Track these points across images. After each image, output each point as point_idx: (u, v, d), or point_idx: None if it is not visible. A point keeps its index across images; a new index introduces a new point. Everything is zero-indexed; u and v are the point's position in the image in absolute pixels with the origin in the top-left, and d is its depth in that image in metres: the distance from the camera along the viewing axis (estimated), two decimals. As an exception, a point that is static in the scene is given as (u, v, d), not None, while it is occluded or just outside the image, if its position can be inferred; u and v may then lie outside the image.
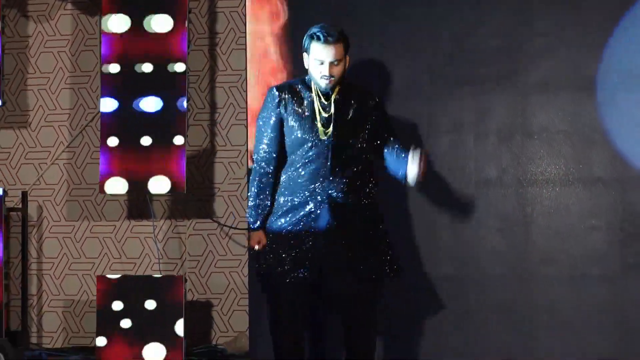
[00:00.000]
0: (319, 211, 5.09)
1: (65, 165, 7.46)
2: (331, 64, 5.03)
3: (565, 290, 6.13)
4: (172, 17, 6.70)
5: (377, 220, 5.30)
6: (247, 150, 6.50)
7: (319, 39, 5.01)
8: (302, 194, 5.12)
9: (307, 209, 5.11)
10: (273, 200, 5.24)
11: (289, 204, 5.16)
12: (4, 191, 6.93)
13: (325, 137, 5.08)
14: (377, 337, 5.45)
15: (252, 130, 6.15)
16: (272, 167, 5.22)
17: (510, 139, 6.21)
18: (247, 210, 5.35)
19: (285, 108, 5.15)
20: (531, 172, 6.18)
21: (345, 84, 5.20)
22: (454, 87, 6.24)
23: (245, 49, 6.49)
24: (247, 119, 6.55)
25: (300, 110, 5.14)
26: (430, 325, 6.21)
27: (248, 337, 6.57)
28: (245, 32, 6.57)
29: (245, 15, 6.63)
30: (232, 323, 7.18)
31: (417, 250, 6.17)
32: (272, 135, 5.22)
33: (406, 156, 5.16)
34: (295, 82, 5.24)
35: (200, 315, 7.21)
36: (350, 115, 5.14)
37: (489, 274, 6.20)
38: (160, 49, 6.73)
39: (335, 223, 5.08)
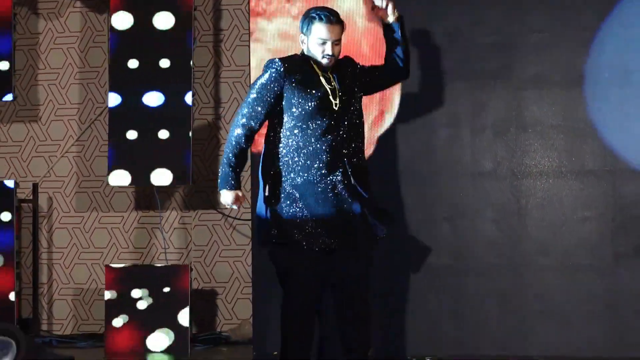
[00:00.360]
0: (341, 179, 4.98)
1: (74, 158, 7.48)
2: (332, 43, 4.98)
3: (558, 280, 6.13)
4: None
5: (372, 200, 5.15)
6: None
7: (321, 19, 4.96)
8: (320, 165, 4.96)
9: (329, 179, 4.97)
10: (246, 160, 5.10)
11: (300, 184, 4.98)
12: (16, 183, 6.96)
13: (336, 108, 5.00)
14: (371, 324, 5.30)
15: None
16: (252, 132, 5.01)
17: (505, 132, 6.23)
18: (222, 171, 5.04)
19: (290, 80, 5.00)
20: (525, 164, 6.19)
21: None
22: (450, 83, 6.27)
23: (249, 46, 6.52)
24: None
25: (305, 83, 5.01)
26: (427, 314, 6.22)
27: (251, 324, 6.59)
28: (249, 29, 6.61)
29: (248, 13, 6.66)
30: (236, 311, 7.20)
31: (415, 241, 6.18)
32: (269, 105, 5.01)
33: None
34: (294, 57, 5.12)
35: (205, 303, 7.22)
36: (347, 83, 5.09)
37: (485, 264, 6.20)
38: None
39: (354, 190, 4.99)
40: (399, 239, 6.12)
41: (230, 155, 4.98)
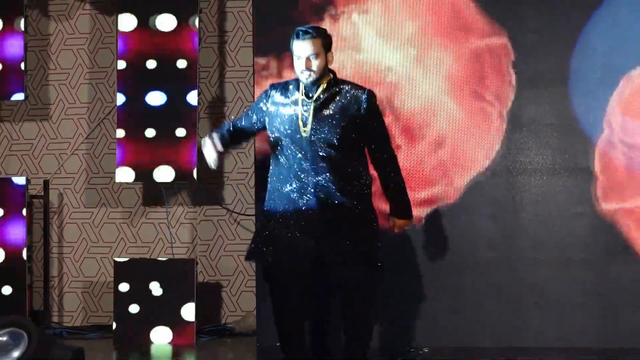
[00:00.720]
0: (305, 201, 4.95)
1: (84, 156, 7.49)
2: (308, 58, 4.87)
3: (552, 273, 6.14)
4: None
5: (364, 216, 5.05)
6: (254, 142, 6.53)
7: (297, 36, 4.90)
8: (290, 185, 5.00)
9: (294, 198, 4.97)
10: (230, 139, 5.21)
11: (279, 192, 5.04)
12: (27, 180, 6.98)
13: (305, 134, 4.92)
14: (373, 324, 5.31)
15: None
16: (233, 129, 5.18)
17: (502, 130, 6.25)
18: (213, 137, 5.13)
19: (268, 104, 5.07)
20: (520, 161, 6.21)
21: (335, 81, 5.04)
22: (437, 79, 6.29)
23: (253, 47, 6.53)
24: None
25: (285, 107, 5.01)
26: (425, 307, 6.23)
27: (255, 316, 6.61)
28: (253, 31, 6.62)
29: (252, 15, 6.68)
30: (240, 303, 7.21)
31: (413, 237, 6.19)
32: (248, 116, 5.19)
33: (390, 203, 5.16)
34: (290, 81, 5.10)
35: (210, 295, 7.23)
36: (331, 112, 4.94)
37: (481, 258, 6.21)
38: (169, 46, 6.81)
39: (320, 215, 4.93)
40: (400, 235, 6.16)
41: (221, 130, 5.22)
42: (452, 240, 6.23)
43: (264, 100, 5.11)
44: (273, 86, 5.15)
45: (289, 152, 4.99)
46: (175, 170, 6.77)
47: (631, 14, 6.09)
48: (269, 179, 5.15)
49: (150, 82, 6.81)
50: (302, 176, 4.96)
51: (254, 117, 5.16)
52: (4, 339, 3.80)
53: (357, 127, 4.98)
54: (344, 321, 5.09)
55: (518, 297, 6.17)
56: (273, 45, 6.36)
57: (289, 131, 4.96)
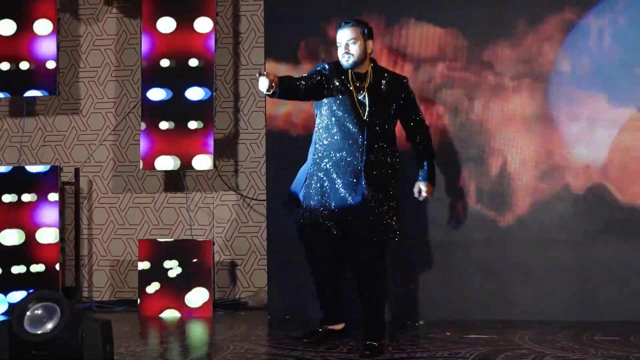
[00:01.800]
0: (356, 180, 5.11)
1: (111, 146, 7.52)
2: (347, 44, 5.08)
3: (536, 252, 6.18)
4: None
5: (392, 189, 5.22)
6: (265, 133, 6.54)
7: (340, 26, 5.15)
8: (339, 162, 5.15)
9: (341, 177, 5.13)
10: (291, 85, 5.06)
11: (326, 169, 5.19)
12: (60, 168, 7.00)
13: (363, 117, 5.09)
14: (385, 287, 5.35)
15: (270, 113, 6.24)
16: (303, 84, 5.08)
17: (489, 121, 6.25)
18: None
19: (328, 80, 5.15)
20: (509, 152, 6.22)
21: (378, 69, 5.23)
22: (443, 79, 6.30)
23: (264, 47, 6.55)
24: (265, 107, 6.62)
25: (339, 89, 5.14)
26: (419, 283, 6.25)
27: (266, 292, 6.65)
28: (264, 33, 6.64)
29: (264, 18, 6.69)
30: (253, 280, 7.23)
31: (407, 219, 6.21)
32: (312, 77, 5.15)
33: (419, 172, 5.39)
34: (340, 67, 5.18)
35: (225, 273, 7.27)
36: (381, 97, 5.14)
37: (471, 239, 6.25)
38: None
39: (361, 190, 5.09)
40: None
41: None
42: (445, 223, 6.26)
43: (324, 73, 5.17)
44: (329, 63, 5.22)
45: (343, 131, 5.12)
46: (194, 158, 6.80)
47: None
48: (313, 151, 5.27)
49: (171, 79, 6.82)
50: (348, 154, 5.11)
51: (316, 80, 5.13)
52: (39, 312, 3.83)
53: (400, 108, 5.22)
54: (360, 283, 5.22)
55: (504, 274, 6.21)
56: (282, 45, 6.39)
57: (346, 114, 5.11)
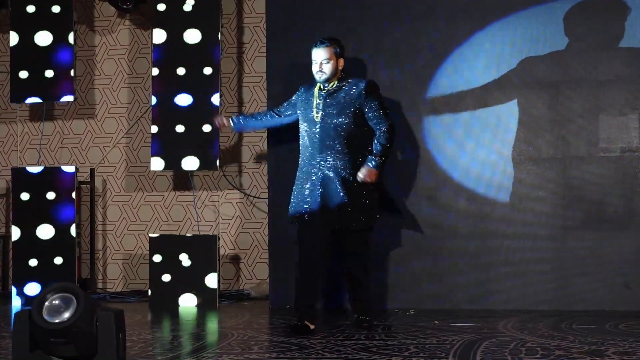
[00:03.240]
0: (317, 177, 5.30)
1: (124, 148, 7.52)
2: (321, 62, 5.29)
3: (518, 246, 6.18)
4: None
5: (361, 189, 5.32)
6: (267, 136, 6.54)
7: (315, 45, 5.34)
8: (307, 159, 5.36)
9: (309, 171, 5.34)
10: (253, 121, 5.79)
11: (302, 171, 5.41)
12: (76, 168, 6.98)
13: (318, 120, 5.31)
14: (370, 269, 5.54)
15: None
16: (275, 111, 5.68)
17: (475, 125, 6.24)
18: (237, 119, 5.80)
19: (298, 97, 5.51)
20: (492, 152, 6.22)
21: (342, 78, 5.36)
22: (431, 83, 6.29)
23: (266, 56, 6.54)
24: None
25: (306, 100, 5.42)
26: (410, 275, 6.26)
27: (268, 283, 6.65)
28: (265, 43, 6.63)
29: (265, 30, 6.69)
30: (256, 272, 7.24)
31: (401, 215, 6.20)
32: (288, 102, 5.63)
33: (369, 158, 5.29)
34: (313, 84, 5.43)
35: (230, 266, 7.27)
36: (338, 101, 5.29)
37: (458, 233, 6.24)
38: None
39: (325, 187, 5.26)
40: (387, 214, 6.17)
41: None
42: (435, 218, 6.25)
43: (296, 94, 5.56)
44: (302, 87, 5.54)
45: (305, 132, 5.37)
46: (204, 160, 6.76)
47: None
48: (300, 160, 5.46)
49: (180, 86, 6.79)
50: (315, 157, 5.31)
51: (291, 103, 5.59)
52: (57, 302, 3.81)
53: (361, 110, 5.29)
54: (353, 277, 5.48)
55: (489, 266, 6.20)
56: (283, 55, 6.38)
57: (307, 117, 5.37)
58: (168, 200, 7.42)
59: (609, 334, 5.07)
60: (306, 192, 5.31)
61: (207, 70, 6.67)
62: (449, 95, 6.24)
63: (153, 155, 6.71)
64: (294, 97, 5.58)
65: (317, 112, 5.31)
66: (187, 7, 6.70)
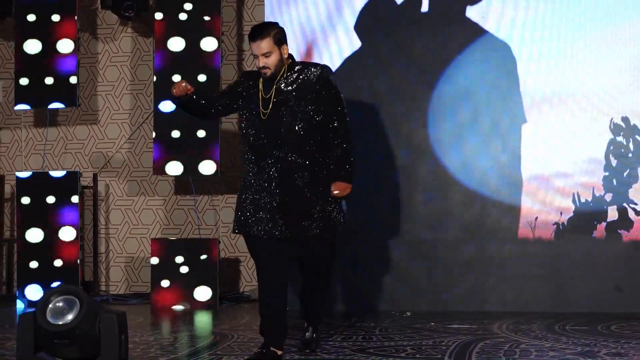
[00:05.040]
0: (266, 175, 4.43)
1: (126, 153, 7.50)
2: (262, 56, 4.39)
3: (512, 250, 6.18)
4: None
5: (316, 184, 4.46)
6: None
7: (250, 37, 4.45)
8: (254, 158, 4.47)
9: (257, 171, 4.46)
10: (198, 101, 4.51)
11: (248, 165, 4.52)
12: (80, 173, 6.99)
13: (264, 117, 4.42)
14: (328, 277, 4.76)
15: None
16: (213, 101, 4.58)
17: (465, 135, 6.24)
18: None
19: (243, 88, 4.55)
20: (484, 159, 6.21)
21: (294, 67, 4.50)
22: (423, 90, 6.29)
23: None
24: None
25: (250, 94, 4.51)
26: (407, 277, 6.26)
27: (267, 285, 6.62)
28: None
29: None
30: (255, 275, 7.13)
31: (399, 219, 6.21)
32: (226, 91, 4.64)
33: (334, 170, 4.48)
34: (258, 76, 4.54)
35: (230, 268, 7.25)
36: (290, 94, 4.44)
37: (454, 237, 6.24)
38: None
39: (278, 184, 4.41)
40: (385, 216, 6.16)
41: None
42: (431, 222, 6.25)
43: (238, 84, 4.62)
44: (245, 73, 4.80)
45: (253, 130, 4.48)
46: (202, 165, 6.76)
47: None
48: (245, 157, 4.56)
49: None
50: (267, 154, 4.44)
51: (230, 93, 4.64)
52: (60, 304, 3.80)
53: (315, 100, 4.45)
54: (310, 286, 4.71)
55: (483, 269, 6.20)
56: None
57: (252, 115, 4.48)
58: (169, 204, 7.40)
59: (601, 336, 5.06)
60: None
61: (201, 78, 6.71)
62: (448, 100, 6.24)
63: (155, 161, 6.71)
64: (231, 91, 4.61)
65: (266, 108, 4.43)
66: (183, 16, 6.73)
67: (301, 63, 4.58)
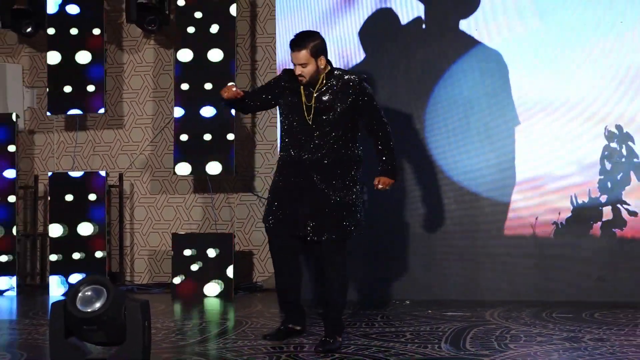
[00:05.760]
0: (304, 180, 4.48)
1: (149, 155, 7.51)
2: (299, 66, 4.43)
3: (502, 243, 6.16)
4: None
5: (348, 190, 4.50)
6: (278, 144, 6.54)
7: (290, 47, 4.47)
8: (293, 164, 4.53)
9: (296, 177, 4.51)
10: (243, 100, 4.60)
11: (283, 171, 4.57)
12: (107, 173, 7.01)
13: (302, 123, 4.48)
14: (344, 274, 4.60)
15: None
16: (253, 97, 4.69)
17: (461, 137, 6.23)
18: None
19: (283, 88, 4.58)
20: (476, 161, 6.19)
21: (333, 75, 4.52)
22: (421, 96, 6.29)
23: (276, 72, 6.54)
24: (277, 122, 6.59)
25: (291, 97, 4.54)
26: (406, 268, 6.26)
27: (278, 276, 6.63)
28: (276, 61, 6.63)
29: (275, 48, 6.69)
30: (267, 267, 7.19)
31: (396, 214, 6.21)
32: (266, 87, 4.71)
33: (379, 164, 4.56)
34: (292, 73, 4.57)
35: (244, 261, 7.25)
36: (327, 102, 4.45)
37: (449, 231, 6.23)
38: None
39: (313, 190, 4.45)
40: (386, 214, 6.16)
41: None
42: (427, 218, 6.24)
43: (277, 82, 4.63)
44: (285, 71, 4.66)
45: (294, 132, 4.51)
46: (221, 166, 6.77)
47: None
48: (279, 158, 4.63)
49: (201, 99, 6.81)
50: (303, 157, 4.48)
51: (267, 90, 4.67)
52: (89, 293, 3.83)
53: (352, 108, 4.49)
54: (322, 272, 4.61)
55: (476, 261, 6.19)
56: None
57: (297, 117, 4.50)
58: (189, 201, 7.41)
59: (585, 322, 5.06)
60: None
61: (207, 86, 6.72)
62: (443, 105, 6.24)
63: (178, 161, 6.76)
64: (272, 88, 4.61)
65: (308, 112, 4.46)
66: (214, 29, 6.75)
67: (339, 71, 4.56)
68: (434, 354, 4.20)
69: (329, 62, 4.54)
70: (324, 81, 4.49)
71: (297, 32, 4.61)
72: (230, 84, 4.67)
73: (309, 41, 4.45)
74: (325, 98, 4.48)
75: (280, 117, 4.67)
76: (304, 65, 4.42)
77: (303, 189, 4.49)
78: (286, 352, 4.31)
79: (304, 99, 4.50)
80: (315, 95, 4.48)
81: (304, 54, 4.41)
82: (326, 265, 4.50)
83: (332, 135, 4.47)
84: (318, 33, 4.60)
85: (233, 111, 6.44)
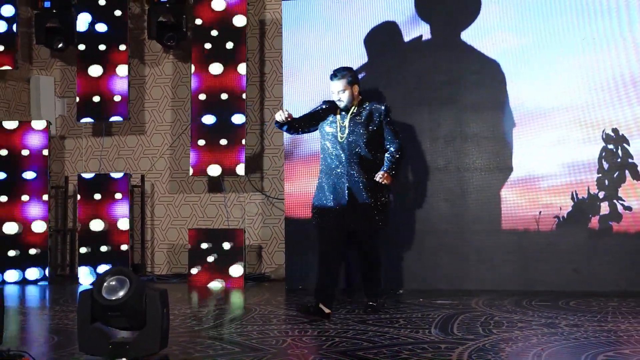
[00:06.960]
0: (342, 186, 4.92)
1: (168, 158, 7.51)
2: (338, 92, 4.96)
3: (488, 238, 6.13)
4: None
5: (378, 192, 4.97)
6: (284, 149, 6.52)
7: (330, 77, 5.01)
8: (332, 174, 4.96)
9: (335, 184, 4.94)
10: (292, 123, 4.99)
11: (325, 180, 5.00)
12: (130, 175, 7.01)
13: (343, 140, 4.93)
14: (381, 259, 5.15)
15: (287, 135, 6.20)
16: (301, 121, 5.05)
17: (453, 141, 6.22)
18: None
19: (324, 113, 5.04)
20: (466, 162, 6.19)
21: (363, 102, 5.02)
22: (417, 106, 6.27)
23: (283, 84, 6.53)
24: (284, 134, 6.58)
25: (330, 120, 5.01)
26: (400, 261, 6.24)
27: (284, 268, 6.62)
28: (282, 73, 6.62)
29: (282, 62, 6.68)
30: (275, 259, 7.21)
31: (394, 213, 6.18)
32: (312, 113, 5.10)
33: (384, 165, 4.98)
34: (334, 102, 5.05)
35: (254, 254, 7.25)
36: (360, 124, 4.94)
37: (439, 227, 6.21)
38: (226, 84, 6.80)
39: (351, 193, 4.91)
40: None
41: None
42: (419, 216, 6.22)
43: (322, 106, 5.06)
44: (325, 101, 5.10)
45: (332, 150, 4.96)
46: (231, 168, 6.77)
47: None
48: (320, 170, 5.04)
49: (211, 108, 6.80)
50: (339, 168, 4.92)
51: (314, 115, 5.07)
52: (113, 283, 3.80)
53: (378, 128, 4.97)
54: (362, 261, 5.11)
55: (464, 254, 6.16)
56: (297, 83, 6.38)
57: (333, 138, 4.96)
58: (203, 200, 7.40)
59: (561, 310, 5.04)
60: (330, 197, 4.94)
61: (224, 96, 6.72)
62: (444, 108, 6.22)
63: (192, 165, 6.73)
64: (318, 112, 5.08)
65: (343, 133, 4.94)
66: (229, 45, 6.73)
67: (370, 102, 5.06)
68: (425, 338, 4.18)
69: (360, 92, 5.04)
70: (356, 109, 4.99)
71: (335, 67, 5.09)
72: (284, 108, 5.04)
73: (346, 73, 4.99)
74: (357, 122, 4.96)
75: (321, 138, 5.07)
76: (342, 91, 4.94)
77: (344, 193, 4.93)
78: (291, 335, 4.29)
79: (339, 120, 4.98)
80: (348, 117, 4.97)
81: (342, 82, 4.94)
82: (365, 248, 5.06)
83: (363, 151, 4.94)
84: (351, 68, 5.10)
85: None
